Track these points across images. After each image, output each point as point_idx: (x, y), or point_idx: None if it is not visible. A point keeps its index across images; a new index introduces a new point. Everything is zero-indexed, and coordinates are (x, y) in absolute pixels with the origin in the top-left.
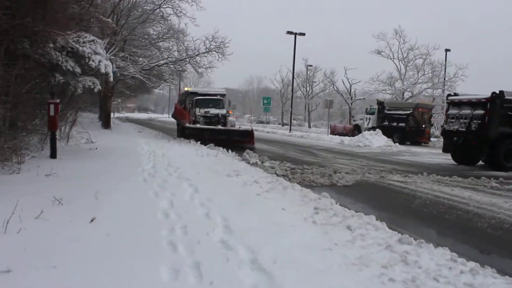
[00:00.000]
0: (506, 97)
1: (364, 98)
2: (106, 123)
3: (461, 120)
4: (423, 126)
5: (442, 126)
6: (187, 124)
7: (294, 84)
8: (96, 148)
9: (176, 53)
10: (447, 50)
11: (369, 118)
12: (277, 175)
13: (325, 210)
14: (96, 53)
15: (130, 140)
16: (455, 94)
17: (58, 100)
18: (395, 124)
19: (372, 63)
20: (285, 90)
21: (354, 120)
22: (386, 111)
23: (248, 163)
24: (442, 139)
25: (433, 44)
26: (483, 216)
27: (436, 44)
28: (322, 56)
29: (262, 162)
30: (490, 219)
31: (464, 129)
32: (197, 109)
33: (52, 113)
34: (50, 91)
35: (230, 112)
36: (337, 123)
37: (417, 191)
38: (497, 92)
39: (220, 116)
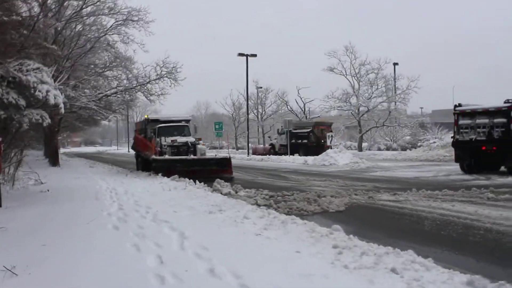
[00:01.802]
0: None
1: (318, 116)
2: (54, 160)
3: (479, 130)
4: (323, 141)
5: (452, 137)
6: (154, 157)
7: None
8: (48, 190)
9: (125, 81)
10: (395, 64)
11: (281, 138)
12: (259, 206)
13: (349, 249)
14: (43, 82)
15: (83, 177)
16: (460, 105)
17: (0, 139)
18: (300, 141)
19: (325, 81)
20: (237, 113)
21: (270, 140)
22: (293, 130)
23: (221, 193)
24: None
25: (384, 58)
26: (509, 233)
27: (388, 58)
28: (274, 78)
29: (236, 192)
30: None
31: (484, 138)
32: (162, 138)
33: None
34: None
35: (199, 139)
36: (257, 145)
37: (418, 210)
38: None
39: (189, 144)
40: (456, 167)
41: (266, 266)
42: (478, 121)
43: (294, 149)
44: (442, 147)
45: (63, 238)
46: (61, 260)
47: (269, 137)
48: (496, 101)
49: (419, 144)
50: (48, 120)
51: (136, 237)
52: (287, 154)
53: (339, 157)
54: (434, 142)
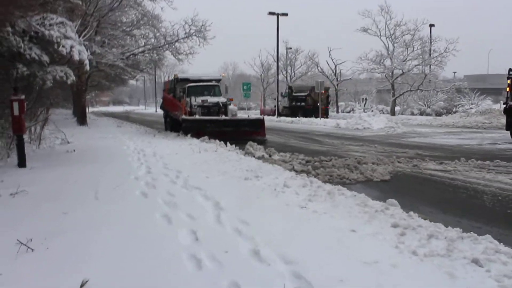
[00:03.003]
0: None
1: (350, 78)
2: (82, 119)
3: None
4: (318, 104)
5: (505, 103)
6: (184, 116)
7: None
8: (74, 150)
9: (153, 40)
10: (431, 26)
11: (285, 100)
12: (296, 171)
13: (412, 229)
14: (66, 37)
15: (111, 137)
16: None
17: (23, 97)
18: (298, 104)
19: (358, 43)
20: (266, 74)
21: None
22: (294, 94)
23: (254, 156)
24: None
25: (421, 19)
26: None
27: (425, 19)
28: (304, 38)
29: (270, 155)
30: None
31: None
32: (192, 98)
33: (16, 112)
34: (13, 86)
35: (231, 99)
36: (265, 106)
37: (472, 182)
38: None
39: (220, 104)
40: (501, 135)
41: (320, 248)
42: None
43: (294, 111)
44: (480, 114)
45: (86, 204)
46: (82, 232)
47: (275, 99)
48: None
49: (454, 110)
50: (73, 77)
51: (167, 206)
52: (289, 116)
53: (373, 121)
54: (471, 108)
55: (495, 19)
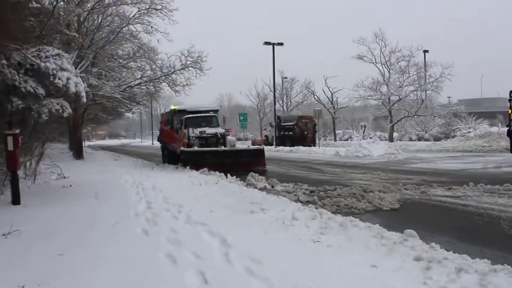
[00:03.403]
0: None
1: (347, 106)
2: (78, 153)
3: None
4: (305, 133)
5: (508, 126)
6: (183, 148)
7: (272, 98)
8: (71, 186)
9: (149, 72)
10: (425, 51)
11: (273, 130)
12: (302, 202)
13: (438, 262)
14: (63, 69)
15: (108, 171)
16: None
17: (18, 131)
18: (286, 133)
19: (354, 70)
20: (262, 104)
21: (265, 132)
22: (282, 123)
23: (256, 188)
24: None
25: (416, 45)
26: None
27: (419, 45)
28: (299, 68)
29: (273, 186)
30: None
31: None
32: (190, 130)
33: (11, 147)
34: (7, 121)
35: (229, 130)
36: (255, 137)
37: (486, 208)
38: None
39: (219, 135)
40: (504, 157)
41: None
42: None
43: (282, 140)
44: (480, 137)
45: (83, 245)
46: (79, 276)
47: (265, 129)
48: None
49: (452, 134)
50: (69, 110)
51: (170, 244)
52: (277, 145)
53: (373, 148)
54: (469, 132)
55: (485, 45)
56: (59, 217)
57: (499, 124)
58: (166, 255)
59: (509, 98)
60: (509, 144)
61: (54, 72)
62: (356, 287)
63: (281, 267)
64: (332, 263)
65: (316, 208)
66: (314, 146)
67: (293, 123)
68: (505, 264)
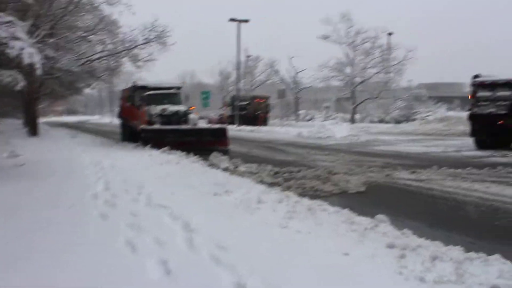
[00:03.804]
0: None
1: (310, 86)
2: (33, 129)
3: (499, 103)
4: (257, 112)
5: (469, 110)
6: (143, 126)
7: (235, 77)
8: (24, 164)
9: (110, 46)
10: (390, 34)
11: (228, 109)
12: (266, 184)
13: (412, 250)
14: (15, 38)
15: (65, 149)
16: (478, 76)
17: None
18: (240, 112)
19: (320, 51)
20: (225, 83)
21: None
22: (235, 103)
23: (219, 168)
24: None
25: (381, 27)
26: None
27: (385, 27)
28: (265, 46)
29: (236, 167)
30: None
31: (505, 112)
32: (151, 107)
33: None
34: None
35: (191, 108)
36: (212, 115)
37: (450, 192)
38: None
39: (180, 113)
40: (463, 141)
41: (315, 277)
42: (498, 93)
43: (235, 120)
44: (439, 121)
45: (35, 232)
46: (30, 270)
47: (220, 108)
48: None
49: (412, 117)
50: (23, 83)
51: (130, 229)
52: (233, 124)
53: (336, 129)
54: (429, 116)
55: (447, 32)
56: (11, 198)
57: (457, 109)
58: (126, 242)
59: (472, 82)
60: (467, 128)
61: (6, 41)
62: (329, 277)
63: (248, 254)
64: (302, 251)
65: (283, 191)
66: (266, 126)
67: (246, 103)
68: (480, 252)
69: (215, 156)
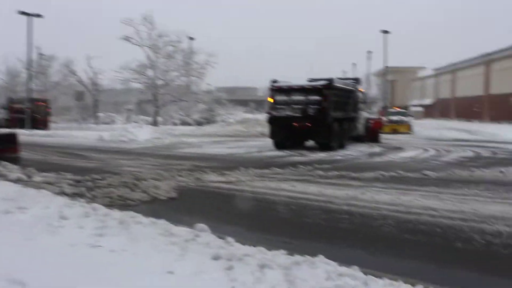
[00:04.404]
0: (335, 84)
1: (110, 89)
2: None
3: (294, 106)
4: (37, 116)
5: (268, 113)
6: None
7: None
8: None
9: None
10: (191, 38)
11: (3, 112)
12: (68, 195)
13: (239, 260)
14: None
15: None
16: (276, 81)
17: None
18: (18, 115)
19: (121, 52)
20: (13, 82)
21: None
22: (12, 105)
23: (7, 180)
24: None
25: (184, 31)
26: (375, 217)
27: (187, 31)
28: (61, 45)
29: (30, 177)
30: (385, 219)
31: (300, 115)
32: None
33: None
34: None
35: None
36: None
37: (261, 193)
38: (330, 79)
39: None
40: (263, 142)
41: None
42: (294, 98)
43: (14, 123)
44: (239, 123)
45: None
46: None
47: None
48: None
49: (213, 120)
50: None
51: None
52: (9, 127)
53: (139, 132)
54: (229, 118)
55: (243, 38)
56: None
57: (254, 111)
58: None
59: (270, 87)
60: (265, 130)
61: None
62: None
63: (52, 285)
64: (119, 274)
65: (88, 203)
66: (48, 129)
67: (25, 106)
68: (305, 255)
69: (3, 166)
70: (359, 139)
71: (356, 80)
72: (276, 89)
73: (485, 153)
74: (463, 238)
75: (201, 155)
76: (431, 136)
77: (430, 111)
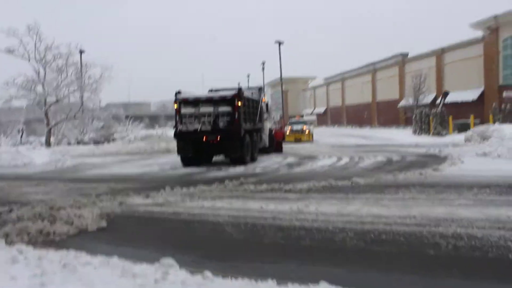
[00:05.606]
0: (245, 94)
1: None
2: None
3: (203, 119)
4: None
5: (175, 127)
6: None
7: None
8: None
9: None
10: (81, 52)
11: None
12: None
13: None
14: None
15: None
16: (180, 92)
17: None
18: None
19: (7, 66)
20: None
21: None
22: None
23: None
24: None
25: (75, 43)
26: (332, 230)
27: (79, 44)
28: None
29: None
30: (343, 232)
31: (209, 128)
32: None
33: None
34: None
35: None
36: None
37: (197, 214)
38: (239, 88)
39: None
40: (171, 159)
41: None
42: (202, 110)
43: None
44: (141, 140)
45: None
46: None
47: None
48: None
49: (112, 137)
50: None
51: None
52: None
53: (35, 155)
54: (128, 135)
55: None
56: None
57: (156, 126)
58: None
59: (175, 100)
60: (170, 146)
61: None
62: None
63: None
64: None
65: (8, 244)
66: None
67: None
68: (300, 284)
69: None
70: (265, 150)
71: (260, 90)
72: (182, 101)
73: (395, 157)
74: (430, 244)
75: (113, 176)
76: (332, 143)
77: (323, 119)
